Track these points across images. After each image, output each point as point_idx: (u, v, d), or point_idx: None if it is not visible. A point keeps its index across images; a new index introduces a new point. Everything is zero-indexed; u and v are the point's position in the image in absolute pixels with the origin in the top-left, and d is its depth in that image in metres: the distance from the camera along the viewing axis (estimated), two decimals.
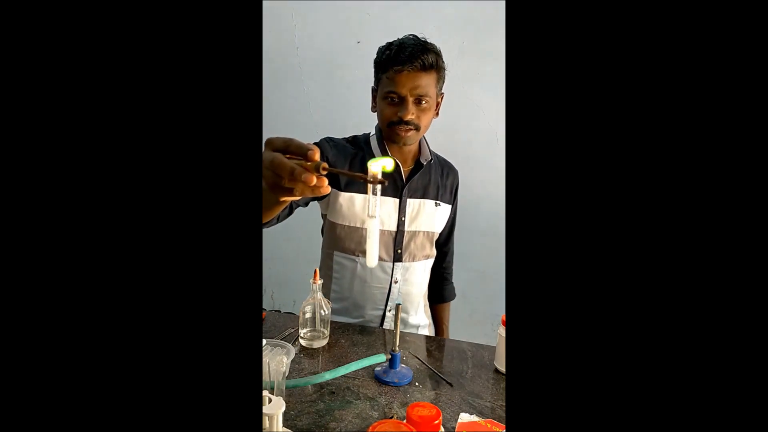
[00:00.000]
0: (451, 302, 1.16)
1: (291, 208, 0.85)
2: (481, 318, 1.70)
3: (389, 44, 0.90)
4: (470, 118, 1.61)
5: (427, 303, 1.11)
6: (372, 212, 0.46)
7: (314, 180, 0.40)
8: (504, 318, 0.76)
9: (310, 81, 1.72)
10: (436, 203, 1.01)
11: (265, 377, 0.57)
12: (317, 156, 0.41)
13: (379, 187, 0.45)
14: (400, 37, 0.90)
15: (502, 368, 0.76)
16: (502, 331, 0.76)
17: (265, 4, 1.41)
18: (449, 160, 1.08)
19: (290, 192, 0.42)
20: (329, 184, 1.04)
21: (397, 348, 0.72)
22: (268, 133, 0.45)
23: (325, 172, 0.41)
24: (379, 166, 0.44)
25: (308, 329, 0.82)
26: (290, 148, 0.43)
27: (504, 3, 0.36)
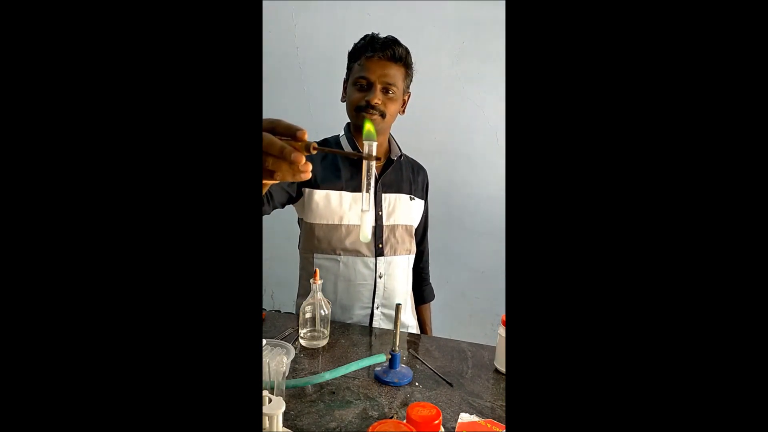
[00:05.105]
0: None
1: (269, 204, 0.87)
2: (481, 318, 1.70)
3: (364, 36, 0.96)
4: (470, 118, 1.61)
5: (413, 304, 1.11)
6: (366, 206, 0.47)
7: (303, 159, 0.40)
8: (504, 318, 0.76)
9: (310, 81, 1.72)
10: (410, 197, 1.05)
11: (265, 377, 0.57)
12: (306, 136, 0.41)
13: (373, 168, 0.46)
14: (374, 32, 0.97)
15: (502, 368, 0.76)
16: (502, 331, 0.76)
17: (265, 4, 1.41)
18: (422, 161, 1.14)
19: (270, 175, 0.42)
20: (305, 185, 1.07)
21: (397, 348, 0.72)
22: None
23: (315, 152, 0.41)
24: (372, 143, 0.45)
25: (308, 329, 0.82)
26: (278, 128, 0.42)
27: (504, 3, 0.36)
